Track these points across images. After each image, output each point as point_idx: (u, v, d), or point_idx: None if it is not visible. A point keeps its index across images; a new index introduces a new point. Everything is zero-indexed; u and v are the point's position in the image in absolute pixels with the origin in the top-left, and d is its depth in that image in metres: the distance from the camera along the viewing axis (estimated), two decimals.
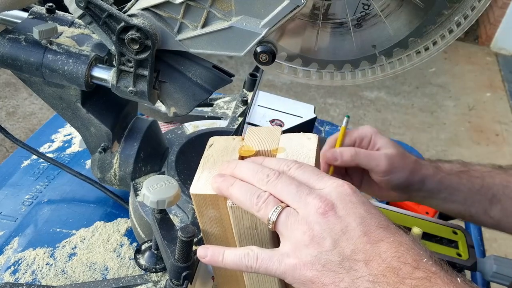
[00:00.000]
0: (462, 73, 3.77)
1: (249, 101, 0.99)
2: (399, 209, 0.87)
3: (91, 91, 0.70)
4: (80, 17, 0.60)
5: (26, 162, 0.92)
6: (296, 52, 0.63)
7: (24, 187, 0.86)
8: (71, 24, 0.72)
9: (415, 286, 0.41)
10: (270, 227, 0.47)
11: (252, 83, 1.03)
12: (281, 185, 0.48)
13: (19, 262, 0.72)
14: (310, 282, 0.45)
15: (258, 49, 0.59)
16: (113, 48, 0.62)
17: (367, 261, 0.43)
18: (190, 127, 0.91)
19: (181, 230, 0.52)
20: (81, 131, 0.76)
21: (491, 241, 2.25)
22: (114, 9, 0.58)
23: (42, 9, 0.72)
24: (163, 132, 0.86)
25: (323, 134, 1.19)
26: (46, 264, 0.72)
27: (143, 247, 0.66)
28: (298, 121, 0.99)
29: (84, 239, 0.76)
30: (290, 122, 0.98)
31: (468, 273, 0.86)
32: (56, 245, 0.75)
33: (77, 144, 0.98)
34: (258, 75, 1.03)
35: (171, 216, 0.61)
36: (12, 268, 0.71)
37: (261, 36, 0.57)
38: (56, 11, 0.72)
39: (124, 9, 0.60)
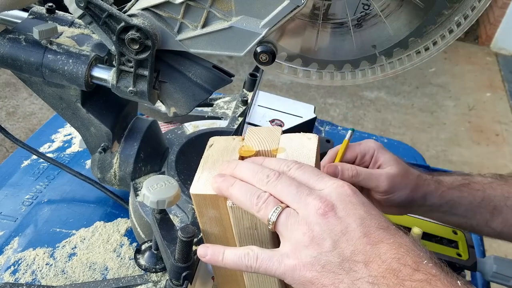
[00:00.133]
0: (462, 73, 3.77)
1: (249, 101, 0.99)
2: None
3: (91, 91, 0.70)
4: (80, 17, 0.60)
5: (26, 162, 0.92)
6: (296, 52, 0.63)
7: (24, 187, 0.86)
8: (71, 24, 0.72)
9: None
10: (270, 227, 0.47)
11: (252, 83, 1.03)
12: (281, 186, 0.48)
13: (19, 262, 0.72)
14: (309, 283, 0.45)
15: (258, 49, 0.59)
16: (113, 48, 0.62)
17: (367, 262, 0.43)
18: (190, 127, 0.91)
19: (181, 230, 0.52)
20: (81, 131, 0.76)
21: (491, 241, 2.24)
22: (114, 9, 0.58)
23: (42, 9, 0.72)
24: (163, 132, 0.86)
25: (323, 134, 1.19)
26: (46, 264, 0.72)
27: (143, 247, 0.66)
28: (298, 121, 0.99)
29: (84, 239, 0.76)
30: (290, 122, 0.98)
31: (468, 273, 0.86)
32: (56, 245, 0.75)
33: (77, 144, 0.98)
34: (258, 75, 1.03)
35: (171, 216, 0.61)
36: (12, 268, 0.71)
37: (261, 36, 0.57)
38: (56, 11, 0.72)
39: (124, 9, 0.60)
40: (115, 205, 0.83)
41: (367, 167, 0.77)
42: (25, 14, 0.70)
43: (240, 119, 0.97)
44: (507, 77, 3.71)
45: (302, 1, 0.54)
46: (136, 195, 0.75)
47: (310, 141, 0.56)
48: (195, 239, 0.58)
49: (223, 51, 0.60)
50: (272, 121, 0.98)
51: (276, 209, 0.47)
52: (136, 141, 0.77)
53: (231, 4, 0.57)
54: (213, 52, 0.60)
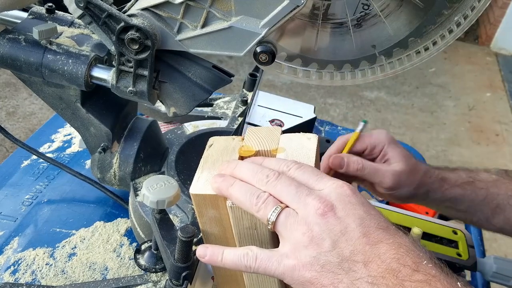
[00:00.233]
0: (462, 73, 3.77)
1: (249, 101, 0.99)
2: (399, 209, 0.87)
3: (90, 91, 0.70)
4: (79, 17, 0.60)
5: (26, 162, 0.92)
6: (296, 52, 0.63)
7: (24, 187, 0.86)
8: (71, 24, 0.72)
9: None
10: (269, 227, 0.47)
11: (252, 83, 1.03)
12: (281, 186, 0.48)
13: (19, 262, 0.72)
14: (309, 283, 0.45)
15: (258, 49, 0.58)
16: (112, 48, 0.62)
17: (366, 262, 0.43)
18: (190, 127, 0.91)
19: (181, 230, 0.52)
20: (81, 131, 0.76)
21: (491, 241, 2.25)
22: (113, 9, 0.58)
23: (41, 9, 0.72)
24: (163, 132, 0.86)
25: (323, 134, 1.19)
26: (46, 264, 0.72)
27: (143, 247, 0.66)
28: (298, 121, 0.99)
29: (84, 239, 0.76)
30: (290, 122, 0.98)
31: (468, 273, 0.86)
32: (56, 245, 0.75)
33: (77, 144, 0.98)
34: (258, 75, 1.03)
35: (170, 216, 0.61)
36: (12, 268, 0.71)
37: (261, 36, 0.57)
38: (56, 11, 0.72)
39: (124, 9, 0.60)
40: (115, 205, 0.83)
41: (375, 159, 0.77)
42: (24, 14, 0.70)
43: (240, 119, 0.97)
44: (507, 77, 3.71)
45: (302, 1, 0.54)
46: (136, 195, 0.75)
47: (309, 141, 0.56)
48: (195, 239, 0.58)
49: (223, 51, 0.60)
50: (272, 121, 0.98)
51: (275, 209, 0.47)
52: (136, 141, 0.77)
53: (230, 4, 0.57)
54: (213, 52, 0.60)
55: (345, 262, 0.43)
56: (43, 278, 0.70)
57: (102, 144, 0.76)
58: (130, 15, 0.59)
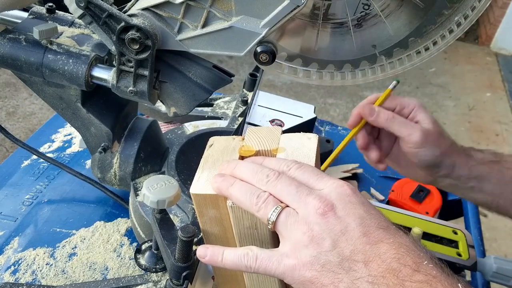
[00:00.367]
0: (462, 73, 3.77)
1: (249, 101, 0.99)
2: (399, 209, 0.87)
3: (91, 91, 0.70)
4: (80, 17, 0.60)
5: (26, 162, 0.92)
6: (296, 52, 0.63)
7: (24, 187, 0.86)
8: (71, 24, 0.72)
9: None
10: (269, 227, 0.47)
11: (252, 83, 1.03)
12: (281, 185, 0.48)
13: (19, 262, 0.72)
14: (309, 282, 0.45)
15: (258, 49, 0.59)
16: (113, 48, 0.62)
17: (366, 261, 0.43)
18: (190, 127, 0.91)
19: (181, 230, 0.52)
20: (81, 131, 0.76)
21: (491, 241, 2.25)
22: (114, 9, 0.58)
23: (42, 9, 0.72)
24: (163, 132, 0.86)
25: (323, 134, 1.19)
26: (46, 264, 0.72)
27: (143, 247, 0.66)
28: (298, 121, 0.99)
29: (84, 239, 0.76)
30: (290, 122, 0.98)
31: (468, 273, 0.86)
32: (56, 245, 0.75)
33: (77, 144, 0.98)
34: (258, 75, 1.03)
35: (171, 216, 0.61)
36: (12, 268, 0.71)
37: (261, 36, 0.57)
38: (56, 11, 0.72)
39: (124, 9, 0.60)
40: (115, 205, 0.83)
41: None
42: (25, 14, 0.70)
43: (240, 119, 0.97)
44: (507, 77, 3.71)
45: (302, 1, 0.54)
46: (136, 195, 0.75)
47: (310, 141, 0.56)
48: (195, 239, 0.58)
49: (223, 51, 0.60)
50: (272, 121, 0.98)
51: (275, 208, 0.47)
52: (136, 141, 0.77)
53: (231, 4, 0.57)
54: (213, 52, 0.60)
55: (345, 261, 0.43)
56: (44, 278, 0.70)
57: (102, 144, 0.76)
58: (131, 15, 0.59)
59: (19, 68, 0.67)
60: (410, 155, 0.75)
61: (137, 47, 0.60)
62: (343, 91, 3.24)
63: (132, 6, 0.60)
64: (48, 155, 0.89)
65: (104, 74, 0.67)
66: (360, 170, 1.05)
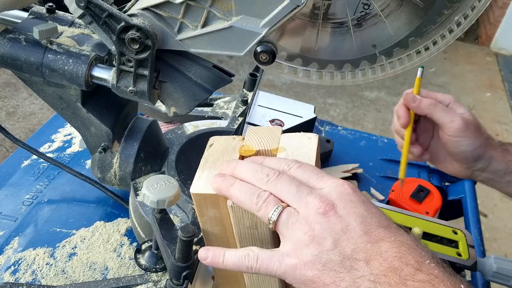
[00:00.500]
0: (462, 73, 3.77)
1: (249, 101, 0.99)
2: (399, 209, 0.87)
3: (91, 91, 0.70)
4: (80, 17, 0.60)
5: (26, 162, 0.92)
6: (296, 52, 0.63)
7: (24, 187, 0.86)
8: (71, 24, 0.72)
9: None
10: (270, 226, 0.47)
11: (252, 83, 1.03)
12: (281, 185, 0.48)
13: (19, 262, 0.72)
14: (310, 281, 0.45)
15: (258, 49, 0.59)
16: (113, 48, 0.62)
17: (368, 260, 0.43)
18: (190, 127, 0.91)
19: (181, 230, 0.52)
20: (81, 131, 0.76)
21: (491, 241, 2.25)
22: (114, 9, 0.58)
23: (42, 9, 0.72)
24: (163, 132, 0.86)
25: (323, 134, 1.19)
26: (46, 264, 0.72)
27: (143, 247, 0.66)
28: (298, 121, 0.99)
29: (84, 239, 0.76)
30: (290, 122, 0.98)
31: (468, 273, 0.86)
32: (56, 245, 0.75)
33: (77, 144, 0.98)
34: (258, 75, 1.03)
35: (171, 215, 0.61)
36: (12, 268, 0.71)
37: (261, 36, 0.57)
38: (56, 11, 0.72)
39: (124, 9, 0.60)
40: (115, 205, 0.83)
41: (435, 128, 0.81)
42: (25, 14, 0.70)
43: (240, 119, 0.97)
44: (507, 77, 3.71)
45: (302, 1, 0.54)
46: (136, 195, 0.75)
47: (310, 140, 0.56)
48: (195, 239, 0.58)
49: (223, 50, 0.60)
50: (272, 121, 0.98)
51: (276, 208, 0.47)
52: (136, 141, 0.77)
53: (231, 3, 0.57)
54: (213, 52, 0.60)
55: (346, 260, 0.43)
56: (44, 278, 0.70)
57: (102, 144, 0.76)
58: (131, 15, 0.59)
59: (19, 68, 0.67)
60: (450, 145, 0.76)
61: (137, 47, 0.60)
62: (343, 91, 3.24)
63: (132, 6, 0.61)
64: (48, 155, 0.89)
65: (104, 74, 0.67)
66: (360, 170, 1.05)
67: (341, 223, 0.45)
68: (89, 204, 0.84)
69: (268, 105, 1.02)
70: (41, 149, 0.96)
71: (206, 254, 0.51)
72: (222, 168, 0.53)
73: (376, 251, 0.43)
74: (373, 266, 0.42)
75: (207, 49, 0.61)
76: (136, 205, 0.74)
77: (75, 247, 0.75)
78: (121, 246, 0.76)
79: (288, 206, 0.47)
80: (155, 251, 0.64)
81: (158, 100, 0.69)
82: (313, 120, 1.02)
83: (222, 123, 0.96)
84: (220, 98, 1.08)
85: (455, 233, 0.83)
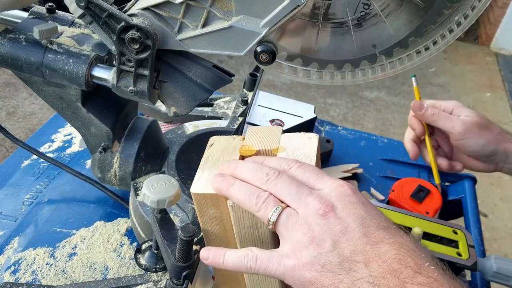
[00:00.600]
0: (462, 73, 3.77)
1: (249, 101, 0.99)
2: (399, 209, 0.87)
3: (91, 90, 0.70)
4: (80, 17, 0.60)
5: (26, 162, 0.92)
6: (296, 52, 0.63)
7: (24, 187, 0.86)
8: (71, 24, 0.72)
9: None
10: (270, 227, 0.47)
11: (252, 83, 1.03)
12: (281, 185, 0.48)
13: (19, 262, 0.72)
14: (309, 283, 0.45)
15: (258, 49, 0.59)
16: (113, 48, 0.62)
17: (367, 262, 0.43)
18: (190, 127, 0.91)
19: (182, 230, 0.52)
20: (82, 130, 0.76)
21: (491, 241, 2.25)
22: (114, 9, 0.58)
23: (42, 9, 0.72)
24: (163, 132, 0.86)
25: (323, 134, 1.19)
26: (46, 264, 0.72)
27: (143, 246, 0.66)
28: (298, 121, 0.99)
29: (84, 239, 0.76)
30: (290, 122, 0.98)
31: (468, 273, 0.86)
32: (56, 245, 0.75)
33: (77, 144, 0.98)
34: (258, 75, 1.03)
35: (171, 215, 0.61)
36: (12, 268, 0.71)
37: (261, 35, 0.57)
38: (56, 11, 0.72)
39: (125, 9, 0.60)
40: (115, 205, 0.83)
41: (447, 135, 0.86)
42: (25, 14, 0.70)
43: (240, 119, 0.97)
44: (507, 77, 3.71)
45: (302, 1, 0.54)
46: (136, 194, 0.75)
47: (310, 140, 0.56)
48: (196, 239, 0.58)
49: (223, 50, 0.60)
50: (272, 121, 0.98)
51: (276, 209, 0.47)
52: (136, 140, 0.77)
53: (231, 3, 0.57)
54: (213, 52, 0.60)
55: (345, 262, 0.43)
56: (44, 278, 0.70)
57: (102, 144, 0.76)
58: (131, 15, 0.59)
59: (19, 68, 0.67)
60: (460, 148, 0.83)
61: (137, 46, 0.60)
62: (343, 91, 3.24)
63: (132, 6, 0.61)
64: (48, 155, 0.89)
65: (104, 74, 0.67)
66: (360, 170, 1.05)
67: (341, 224, 0.44)
68: (89, 204, 0.84)
69: (268, 105, 1.02)
70: (41, 149, 0.96)
71: (207, 254, 0.51)
72: (222, 168, 0.53)
73: (375, 253, 0.43)
74: (372, 268, 0.42)
75: (207, 49, 0.61)
76: (136, 205, 0.74)
77: (75, 247, 0.75)
78: (121, 246, 0.76)
79: (288, 206, 0.47)
80: (155, 251, 0.64)
81: (158, 100, 0.69)
82: (313, 120, 1.02)
83: (222, 123, 0.96)
84: (220, 98, 1.08)
85: (455, 233, 0.83)
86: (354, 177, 1.05)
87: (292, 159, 0.51)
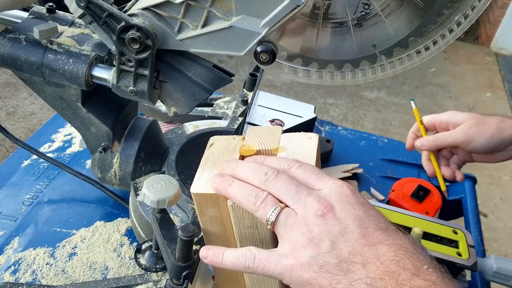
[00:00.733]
0: (462, 73, 3.77)
1: (249, 101, 0.99)
2: (399, 209, 0.87)
3: (91, 90, 0.70)
4: (80, 17, 0.60)
5: (26, 162, 0.92)
6: (296, 52, 0.63)
7: (24, 187, 0.86)
8: (72, 24, 0.72)
9: None
10: (268, 227, 0.47)
11: (252, 83, 1.03)
12: (280, 184, 0.48)
13: (19, 262, 0.72)
14: (307, 283, 0.45)
15: (258, 49, 0.59)
16: (113, 48, 0.62)
17: (364, 263, 0.43)
18: (190, 127, 0.91)
19: (182, 230, 0.52)
20: (82, 130, 0.76)
21: (491, 241, 2.25)
22: (114, 9, 0.58)
23: (42, 9, 0.72)
24: (163, 132, 0.86)
25: (323, 134, 1.19)
26: (46, 264, 0.72)
27: (143, 246, 0.66)
28: (298, 121, 0.99)
29: (84, 239, 0.76)
30: (290, 122, 0.98)
31: (468, 273, 0.86)
32: (56, 245, 0.75)
33: (77, 144, 0.98)
34: (258, 75, 1.03)
35: (171, 215, 0.61)
36: (13, 267, 0.71)
37: (261, 35, 0.57)
38: (56, 10, 0.72)
39: (125, 9, 0.60)
40: (115, 204, 0.83)
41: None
42: (25, 14, 0.70)
43: (240, 119, 0.97)
44: (507, 77, 3.71)
45: (302, 1, 0.54)
46: (137, 194, 0.75)
47: (310, 140, 0.56)
48: (196, 239, 0.58)
49: (223, 50, 0.60)
50: (272, 121, 0.98)
51: (275, 209, 0.47)
52: (137, 140, 0.77)
53: (231, 3, 0.57)
54: (213, 52, 0.60)
55: (343, 263, 0.43)
56: (44, 277, 0.70)
57: (102, 144, 0.76)
58: (131, 15, 0.59)
59: (19, 67, 0.67)
60: (473, 151, 0.87)
61: (137, 46, 0.60)
62: (343, 91, 3.24)
63: (132, 6, 0.61)
64: (48, 155, 0.89)
65: (104, 74, 0.67)
66: (360, 170, 1.05)
67: (339, 225, 0.44)
68: (89, 204, 0.84)
69: (268, 105, 1.03)
70: (41, 149, 0.96)
71: (207, 253, 0.51)
72: (222, 168, 0.53)
73: (373, 254, 0.43)
74: (370, 269, 0.42)
75: (207, 49, 0.61)
76: (136, 205, 0.74)
77: (75, 247, 0.75)
78: (121, 246, 0.76)
79: (287, 206, 0.47)
80: (155, 251, 0.64)
81: (158, 100, 0.69)
82: (313, 120, 1.02)
83: (222, 123, 0.96)
84: (220, 98, 1.08)
85: (455, 232, 0.83)
86: (354, 177, 1.05)
87: (292, 159, 0.51)
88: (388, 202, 0.94)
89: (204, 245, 0.57)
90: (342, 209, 0.45)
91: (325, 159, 1.06)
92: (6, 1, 0.60)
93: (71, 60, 0.66)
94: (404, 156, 1.13)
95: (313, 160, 0.53)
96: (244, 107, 1.00)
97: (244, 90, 1.05)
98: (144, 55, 0.61)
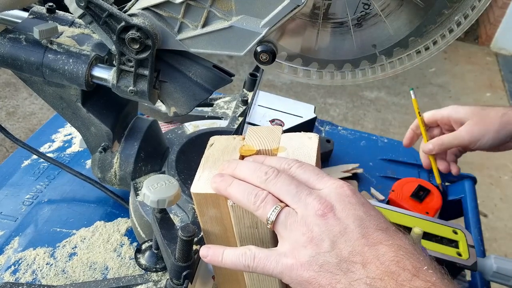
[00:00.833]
0: (462, 73, 3.77)
1: (249, 101, 0.99)
2: (399, 209, 0.87)
3: (91, 90, 0.70)
4: (80, 17, 0.60)
5: (26, 162, 0.92)
6: (296, 52, 0.63)
7: (25, 187, 0.86)
8: (72, 24, 0.72)
9: None
10: (268, 226, 0.47)
11: (252, 83, 1.03)
12: (281, 184, 0.48)
13: (20, 261, 0.72)
14: (306, 282, 0.45)
15: (258, 49, 0.59)
16: (113, 48, 0.62)
17: (364, 263, 0.43)
18: (190, 127, 0.91)
19: (182, 230, 0.52)
20: (82, 130, 0.76)
21: (491, 241, 2.25)
22: (114, 9, 0.58)
23: (42, 9, 0.72)
24: (163, 132, 0.86)
25: (323, 134, 1.19)
26: (46, 264, 0.72)
27: (144, 246, 0.66)
28: (298, 121, 0.99)
29: (85, 239, 0.76)
30: (290, 122, 0.98)
31: (468, 273, 0.86)
32: (57, 245, 0.75)
33: (77, 144, 0.98)
34: (258, 75, 1.03)
35: (171, 215, 0.61)
36: (13, 267, 0.71)
37: (261, 35, 0.57)
38: (56, 10, 0.72)
39: (125, 9, 0.60)
40: (116, 204, 0.83)
41: (453, 130, 0.91)
42: (25, 14, 0.70)
43: (240, 119, 0.97)
44: (507, 77, 3.71)
45: (302, 1, 0.54)
46: (137, 194, 0.75)
47: (310, 140, 0.56)
48: (196, 239, 0.58)
49: (223, 50, 0.60)
50: (272, 121, 0.98)
51: (275, 208, 0.47)
52: (137, 140, 0.77)
53: (231, 3, 0.57)
54: (213, 52, 0.60)
55: (343, 262, 0.43)
56: (44, 277, 0.70)
57: (102, 144, 0.76)
58: (131, 15, 0.59)
59: (19, 67, 0.67)
60: (482, 149, 0.87)
61: (137, 46, 0.60)
62: (343, 91, 3.24)
63: (132, 6, 0.61)
64: (48, 155, 0.89)
65: (104, 74, 0.67)
66: (360, 170, 1.06)
67: (339, 225, 0.44)
68: (89, 204, 0.84)
69: (268, 105, 1.03)
70: (41, 149, 0.96)
71: (207, 252, 0.51)
72: (222, 168, 0.53)
73: (373, 254, 0.43)
74: (369, 269, 0.42)
75: (207, 49, 0.61)
76: (136, 205, 0.74)
77: (75, 247, 0.75)
78: (121, 246, 0.76)
79: (287, 206, 0.47)
80: (155, 251, 0.64)
81: (158, 100, 0.69)
82: (313, 120, 1.02)
83: (222, 123, 0.96)
84: (220, 98, 1.08)
85: (455, 232, 0.83)
86: (354, 177, 1.05)
87: (292, 158, 0.51)
88: (388, 202, 0.94)
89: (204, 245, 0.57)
90: (342, 209, 0.45)
91: (325, 159, 1.06)
92: (6, 1, 0.60)
93: (71, 60, 0.66)
94: (404, 156, 1.13)
95: (313, 160, 0.53)
96: (244, 107, 1.00)
97: (244, 90, 1.05)
98: (144, 55, 0.61)
